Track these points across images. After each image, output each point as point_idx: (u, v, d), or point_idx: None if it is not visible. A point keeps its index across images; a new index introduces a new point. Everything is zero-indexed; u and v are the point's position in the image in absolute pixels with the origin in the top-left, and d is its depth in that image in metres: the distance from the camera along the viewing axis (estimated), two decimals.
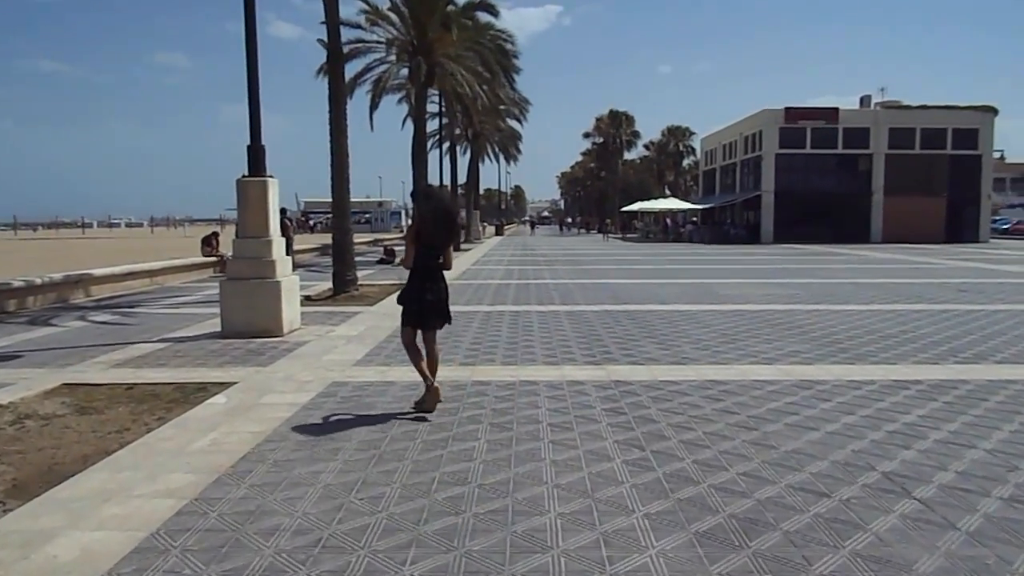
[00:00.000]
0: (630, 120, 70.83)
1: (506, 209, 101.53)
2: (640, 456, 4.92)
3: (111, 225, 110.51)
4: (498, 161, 64.94)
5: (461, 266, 23.08)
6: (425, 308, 6.16)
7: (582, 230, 79.32)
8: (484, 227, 60.44)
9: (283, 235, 20.12)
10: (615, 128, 70.28)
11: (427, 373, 6.11)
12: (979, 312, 12.05)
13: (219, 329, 10.00)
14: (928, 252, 32.60)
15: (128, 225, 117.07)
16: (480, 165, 52.29)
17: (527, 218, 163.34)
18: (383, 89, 25.70)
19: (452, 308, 6.52)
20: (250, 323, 9.68)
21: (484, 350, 8.74)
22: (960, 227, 44.90)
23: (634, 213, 64.63)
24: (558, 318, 11.49)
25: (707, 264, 24.70)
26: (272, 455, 4.93)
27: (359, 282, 15.61)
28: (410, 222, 6.41)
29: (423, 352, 6.24)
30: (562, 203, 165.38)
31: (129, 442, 5.29)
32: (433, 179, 30.53)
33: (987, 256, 29.74)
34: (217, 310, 12.30)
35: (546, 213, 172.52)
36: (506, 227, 76.58)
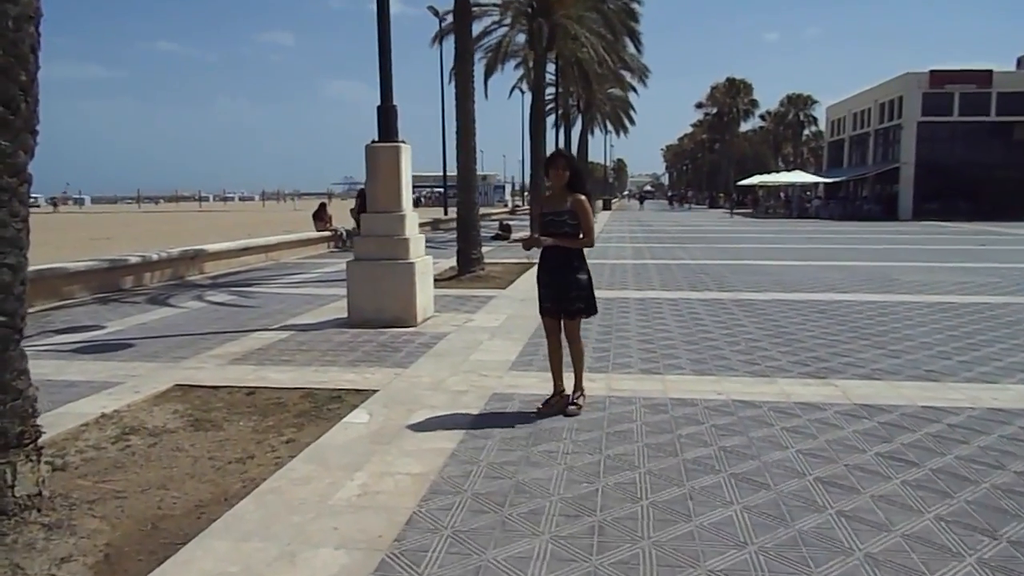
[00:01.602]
0: (748, 88, 66.75)
1: (610, 183, 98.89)
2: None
3: (225, 199, 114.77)
4: (606, 132, 62.76)
5: None
6: (545, 291, 5.24)
7: (689, 205, 76.17)
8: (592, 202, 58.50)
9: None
10: (732, 97, 66.40)
11: (558, 372, 5.32)
12: None
13: (345, 315, 8.82)
14: None
15: (241, 199, 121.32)
16: (589, 137, 50.32)
17: (629, 192, 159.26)
18: (504, 55, 24.19)
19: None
20: (380, 310, 8.43)
21: (662, 352, 7.14)
22: None
23: (749, 187, 61.18)
24: (727, 309, 9.75)
25: (855, 244, 22.15)
26: (447, 519, 3.52)
27: (484, 261, 14.30)
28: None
29: (564, 346, 5.32)
30: (666, 177, 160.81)
31: (255, 480, 4.02)
32: (546, 153, 28.92)
33: None
34: (338, 290, 11.27)
35: (648, 187, 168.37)
36: (612, 201, 74.21)
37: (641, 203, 75.16)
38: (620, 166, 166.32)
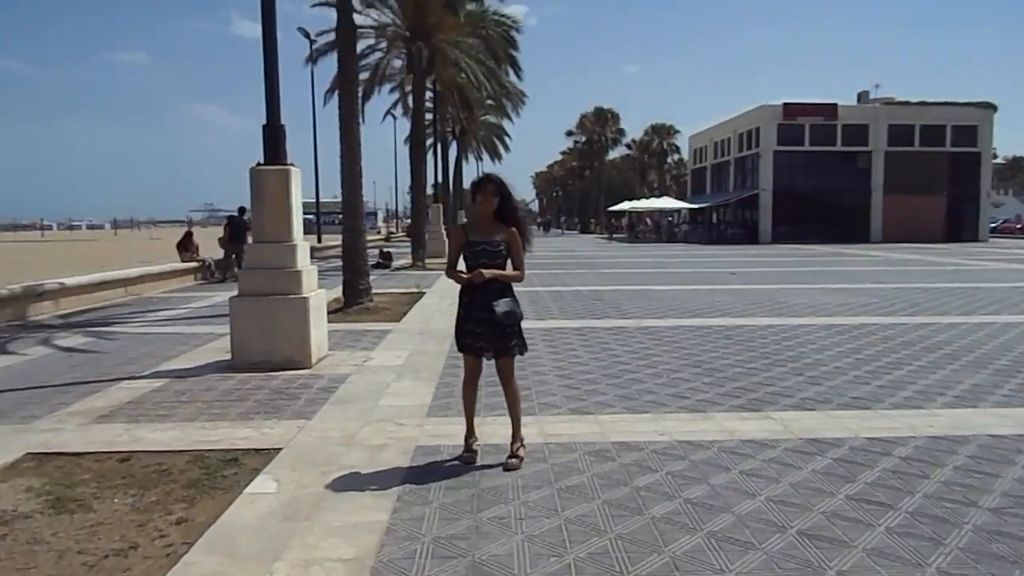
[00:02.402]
0: (615, 117, 69.04)
1: None
2: None
3: (72, 227, 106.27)
4: (479, 159, 62.97)
5: None
6: (474, 328, 4.65)
7: (561, 230, 77.68)
8: None
9: (241, 242, 18.05)
10: (600, 126, 68.42)
11: (472, 417, 4.87)
12: None
13: (228, 357, 7.86)
14: (941, 252, 31.26)
15: (90, 227, 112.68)
16: (464, 164, 50.22)
17: None
18: (382, 79, 23.49)
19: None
20: (270, 351, 7.56)
21: (585, 388, 6.72)
22: (960, 226, 43.90)
23: (616, 213, 63.04)
24: (635, 337, 9.51)
25: (726, 267, 22.90)
26: None
27: (372, 291, 13.51)
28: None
29: (502, 392, 4.86)
30: (535, 204, 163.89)
31: None
32: (427, 177, 28.33)
33: (1010, 255, 28.43)
34: (214, 328, 10.23)
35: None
36: None
37: None
38: None
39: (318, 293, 8.16)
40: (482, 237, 4.61)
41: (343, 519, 3.82)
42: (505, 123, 48.70)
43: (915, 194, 43.20)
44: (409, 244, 26.38)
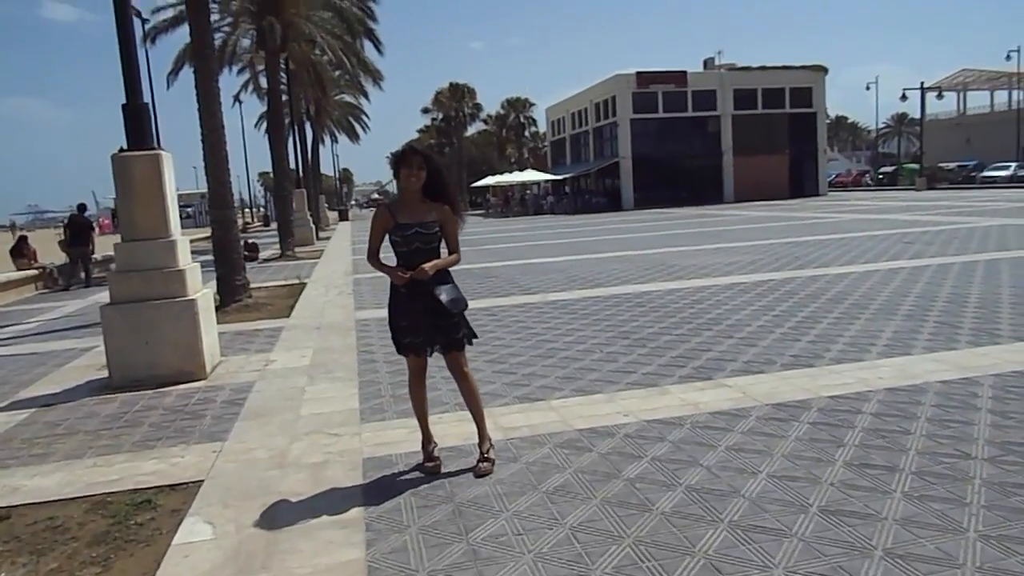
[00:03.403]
0: (472, 93, 68.37)
1: (344, 193, 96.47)
2: None
3: None
4: (334, 141, 60.85)
5: (341, 263, 20.12)
6: (414, 322, 4.08)
7: None
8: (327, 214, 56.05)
9: (85, 244, 16.27)
10: (457, 101, 67.61)
11: (425, 419, 4.30)
12: (982, 260, 11.09)
13: (104, 376, 6.81)
14: (791, 207, 33.20)
15: None
16: (320, 147, 48.19)
17: (356, 201, 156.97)
18: (231, 58, 21.73)
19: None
20: (155, 364, 6.59)
21: (522, 372, 6.27)
22: (802, 182, 46.89)
23: (481, 188, 62.83)
24: (548, 312, 9.15)
25: (607, 235, 23.14)
26: None
27: (250, 286, 12.43)
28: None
29: (425, 392, 4.34)
30: (392, 185, 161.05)
31: None
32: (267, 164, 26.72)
33: (852, 207, 30.55)
34: (74, 343, 9.03)
35: (376, 195, 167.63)
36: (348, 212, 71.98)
37: None
38: (346, 176, 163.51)
39: (205, 293, 7.22)
40: (414, 218, 4.00)
41: (311, 563, 3.18)
42: (362, 102, 47.07)
43: (761, 154, 45.65)
44: (273, 233, 24.89)
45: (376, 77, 29.50)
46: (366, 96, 38.77)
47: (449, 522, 3.48)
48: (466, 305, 4.10)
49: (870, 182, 59.84)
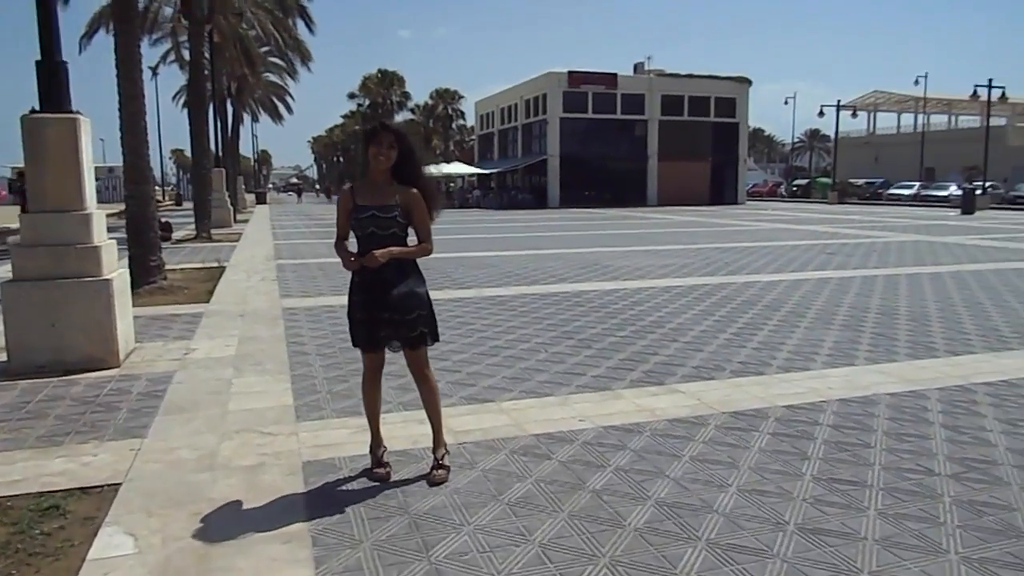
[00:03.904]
0: (400, 80, 67.25)
1: (264, 176, 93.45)
2: None
3: None
4: (254, 121, 58.85)
5: (262, 248, 19.36)
6: (369, 315, 3.70)
7: (323, 195, 75.18)
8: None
9: None
10: (385, 88, 66.38)
11: (376, 422, 3.96)
12: (903, 274, 11.46)
13: (2, 360, 6.15)
14: (712, 213, 33.97)
15: None
16: (241, 127, 46.42)
17: (274, 185, 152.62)
18: (152, 25, 20.49)
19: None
20: (61, 349, 5.99)
21: (466, 371, 5.99)
22: (722, 190, 48.11)
23: None
24: (487, 308, 8.89)
25: (537, 232, 23.03)
26: None
27: (165, 268, 11.70)
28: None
29: (381, 393, 4.00)
30: (312, 169, 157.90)
31: None
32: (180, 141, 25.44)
33: (770, 216, 31.47)
34: None
35: (294, 179, 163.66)
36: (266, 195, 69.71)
37: (299, 196, 71.89)
38: (264, 158, 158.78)
39: (121, 273, 6.65)
40: (373, 201, 3.67)
41: None
42: (288, 83, 45.55)
43: (685, 160, 46.58)
44: (186, 213, 23.71)
45: (306, 56, 28.50)
46: (292, 76, 37.45)
47: (406, 536, 3.18)
48: (425, 300, 3.79)
49: (784, 193, 62.00)
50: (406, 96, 68.56)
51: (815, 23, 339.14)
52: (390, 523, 3.31)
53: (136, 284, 10.73)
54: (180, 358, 6.52)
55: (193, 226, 21.75)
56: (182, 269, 13.18)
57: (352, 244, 3.76)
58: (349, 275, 3.78)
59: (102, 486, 3.76)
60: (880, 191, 51.26)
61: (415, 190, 3.70)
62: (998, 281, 11.04)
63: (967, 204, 32.83)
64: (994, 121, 45.19)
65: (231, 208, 27.88)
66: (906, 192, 47.80)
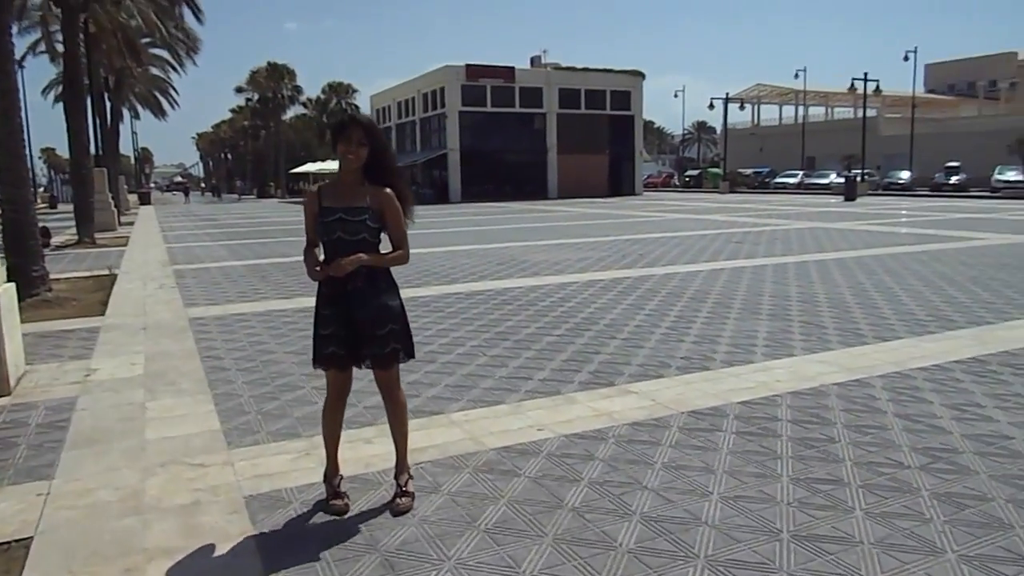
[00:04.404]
0: (292, 74, 64.89)
1: (146, 174, 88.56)
2: None
3: None
4: (133, 117, 55.60)
5: (154, 251, 18.25)
6: (336, 330, 3.36)
7: (238, 195, 72.22)
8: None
9: None
10: (275, 82, 63.96)
11: (334, 447, 3.58)
12: (811, 261, 11.83)
13: None
14: (613, 205, 34.56)
15: None
16: (120, 124, 43.66)
17: (156, 184, 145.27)
18: (19, 14, 18.76)
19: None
20: None
21: (403, 379, 5.64)
22: (620, 182, 49.05)
23: (301, 175, 60.31)
24: (412, 311, 8.46)
25: (443, 228, 22.62)
26: None
27: (49, 278, 10.72)
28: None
29: (342, 415, 3.63)
30: (198, 168, 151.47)
31: None
32: (61, 140, 23.64)
33: (670, 206, 32.26)
34: None
35: (179, 178, 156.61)
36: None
37: (187, 195, 68.40)
38: (146, 156, 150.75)
39: (7, 288, 5.93)
40: (341, 202, 3.32)
41: None
42: (171, 76, 43.15)
43: (583, 153, 47.20)
44: (62, 217, 21.99)
45: (192, 47, 26.84)
46: (179, 69, 35.44)
47: None
48: (397, 314, 3.42)
49: (677, 184, 63.94)
50: (297, 90, 66.49)
51: (697, 19, 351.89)
52: (360, 564, 2.97)
53: (18, 298, 9.78)
54: (80, 381, 5.87)
55: (74, 230, 20.19)
56: (67, 278, 12.15)
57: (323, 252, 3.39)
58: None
59: (8, 543, 3.24)
60: (767, 180, 53.60)
61: (388, 190, 3.34)
62: (897, 265, 11.56)
63: (849, 191, 34.67)
64: (870, 113, 48.01)
65: (115, 210, 26.15)
66: (791, 180, 50.15)
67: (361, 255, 3.25)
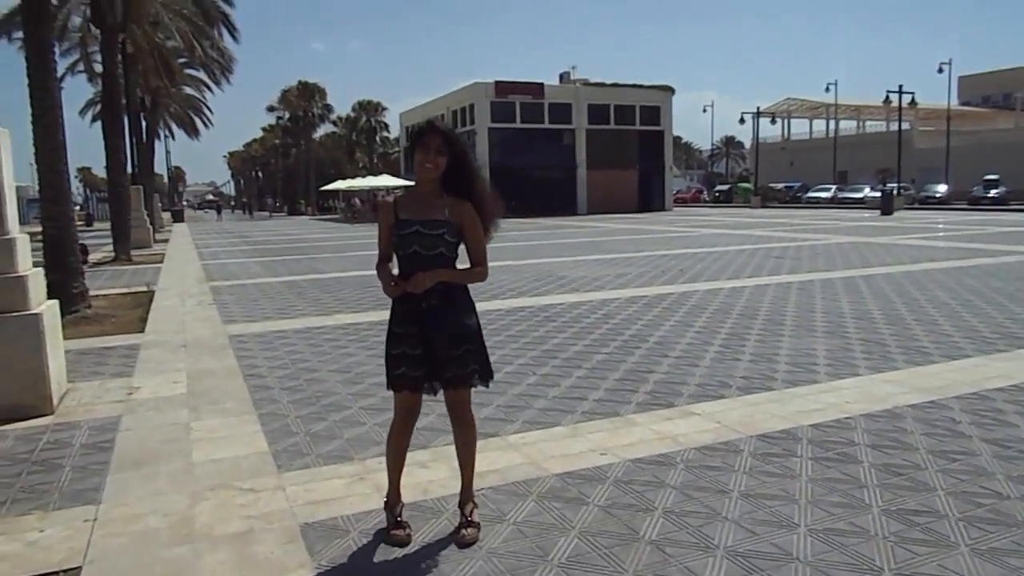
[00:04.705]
0: (322, 93, 65.67)
1: (179, 192, 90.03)
2: None
3: None
4: (165, 136, 56.40)
5: (191, 268, 18.33)
6: (411, 350, 3.16)
7: (269, 213, 72.93)
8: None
9: None
10: (306, 101, 64.71)
11: (398, 475, 3.37)
12: (858, 276, 11.47)
13: None
14: (644, 221, 34.23)
15: None
16: (156, 142, 44.34)
17: (188, 202, 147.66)
18: (63, 33, 19.09)
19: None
20: None
21: None
22: (650, 197, 48.67)
23: (330, 192, 60.63)
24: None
25: None
26: None
27: (89, 295, 10.73)
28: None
29: (409, 440, 3.41)
30: (229, 186, 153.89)
31: None
32: (96, 159, 23.93)
33: (701, 221, 31.88)
34: None
35: (210, 196, 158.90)
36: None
37: (219, 213, 69.25)
38: (179, 174, 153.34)
39: (51, 305, 5.85)
40: (418, 215, 3.14)
41: None
42: (206, 96, 43.77)
43: (612, 169, 46.93)
44: (98, 234, 22.20)
45: (226, 68, 27.16)
46: (216, 86, 35.84)
47: None
48: (474, 332, 3.22)
49: (707, 199, 63.39)
50: (328, 108, 67.20)
51: (723, 37, 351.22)
52: None
53: (61, 312, 9.79)
54: (123, 399, 5.76)
55: (110, 248, 20.39)
56: (106, 295, 12.15)
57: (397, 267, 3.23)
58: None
59: (56, 572, 3.08)
60: (799, 195, 52.92)
61: (468, 203, 3.16)
62: (949, 280, 11.17)
63: (886, 205, 34.03)
64: (901, 125, 47.25)
65: (150, 228, 26.44)
66: (824, 195, 49.44)
67: (438, 270, 3.08)
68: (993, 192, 39.89)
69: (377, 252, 3.31)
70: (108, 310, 10.69)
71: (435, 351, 3.12)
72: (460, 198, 3.15)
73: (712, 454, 4.19)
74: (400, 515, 3.32)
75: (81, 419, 5.26)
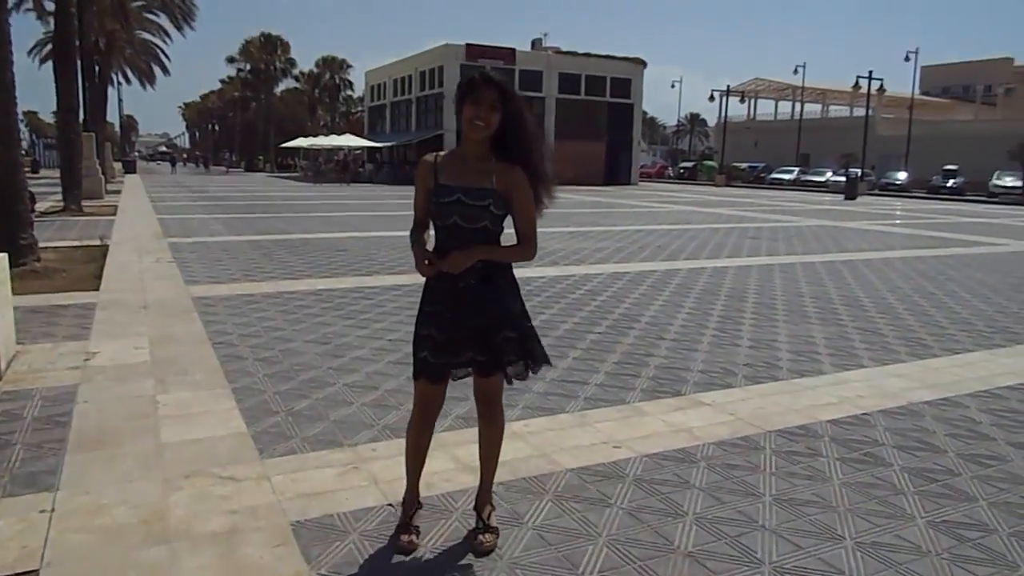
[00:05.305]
0: (286, 46, 63.48)
1: (132, 142, 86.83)
2: None
3: None
4: (118, 84, 54.09)
5: (146, 222, 17.52)
6: (444, 333, 2.75)
7: (226, 168, 70.78)
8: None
9: None
10: (268, 54, 62.63)
11: (417, 473, 3.01)
12: (838, 261, 11.36)
13: None
14: (612, 194, 34.07)
15: None
16: (110, 89, 42.40)
17: (139, 153, 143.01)
18: None
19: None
20: None
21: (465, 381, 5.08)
22: (617, 171, 48.42)
23: (291, 150, 59.13)
24: None
25: None
26: None
27: (38, 247, 10.05)
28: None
29: (430, 435, 3.00)
30: (183, 138, 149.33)
31: None
32: (43, 103, 22.65)
33: (668, 197, 31.76)
34: None
35: (163, 148, 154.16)
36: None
37: (173, 166, 66.85)
38: (131, 124, 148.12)
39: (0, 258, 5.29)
40: (461, 180, 2.70)
41: None
42: (177, 39, 41.88)
43: (581, 140, 46.40)
44: (45, 182, 21.08)
45: (187, 14, 25.76)
46: (170, 35, 34.28)
47: None
48: (514, 315, 2.79)
49: (671, 175, 63.47)
50: (291, 63, 65.18)
51: (693, 14, 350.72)
52: None
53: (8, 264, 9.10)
54: (80, 365, 5.26)
55: (59, 197, 19.36)
56: (56, 248, 11.43)
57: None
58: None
59: (23, 574, 2.65)
60: (762, 175, 53.23)
61: (519, 169, 2.72)
62: (929, 269, 11.14)
63: (850, 190, 34.33)
64: (863, 111, 47.72)
65: (102, 178, 25.27)
66: (787, 177, 49.85)
67: (478, 247, 2.67)
68: (951, 182, 40.59)
69: (413, 215, 2.89)
70: (59, 264, 10.03)
71: (467, 336, 2.73)
72: (512, 164, 2.72)
73: (733, 451, 3.91)
74: (413, 518, 2.95)
75: (32, 387, 4.77)
